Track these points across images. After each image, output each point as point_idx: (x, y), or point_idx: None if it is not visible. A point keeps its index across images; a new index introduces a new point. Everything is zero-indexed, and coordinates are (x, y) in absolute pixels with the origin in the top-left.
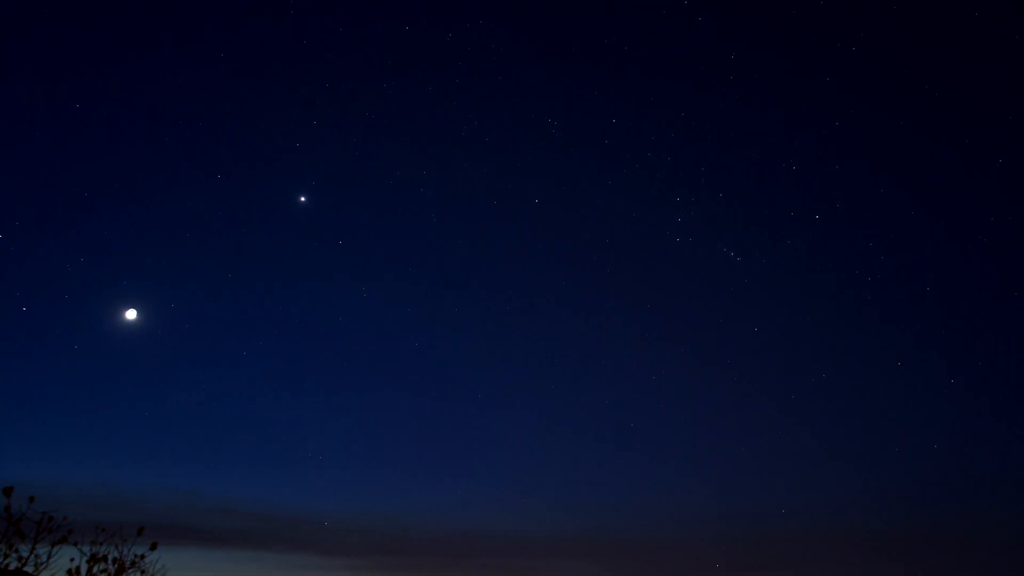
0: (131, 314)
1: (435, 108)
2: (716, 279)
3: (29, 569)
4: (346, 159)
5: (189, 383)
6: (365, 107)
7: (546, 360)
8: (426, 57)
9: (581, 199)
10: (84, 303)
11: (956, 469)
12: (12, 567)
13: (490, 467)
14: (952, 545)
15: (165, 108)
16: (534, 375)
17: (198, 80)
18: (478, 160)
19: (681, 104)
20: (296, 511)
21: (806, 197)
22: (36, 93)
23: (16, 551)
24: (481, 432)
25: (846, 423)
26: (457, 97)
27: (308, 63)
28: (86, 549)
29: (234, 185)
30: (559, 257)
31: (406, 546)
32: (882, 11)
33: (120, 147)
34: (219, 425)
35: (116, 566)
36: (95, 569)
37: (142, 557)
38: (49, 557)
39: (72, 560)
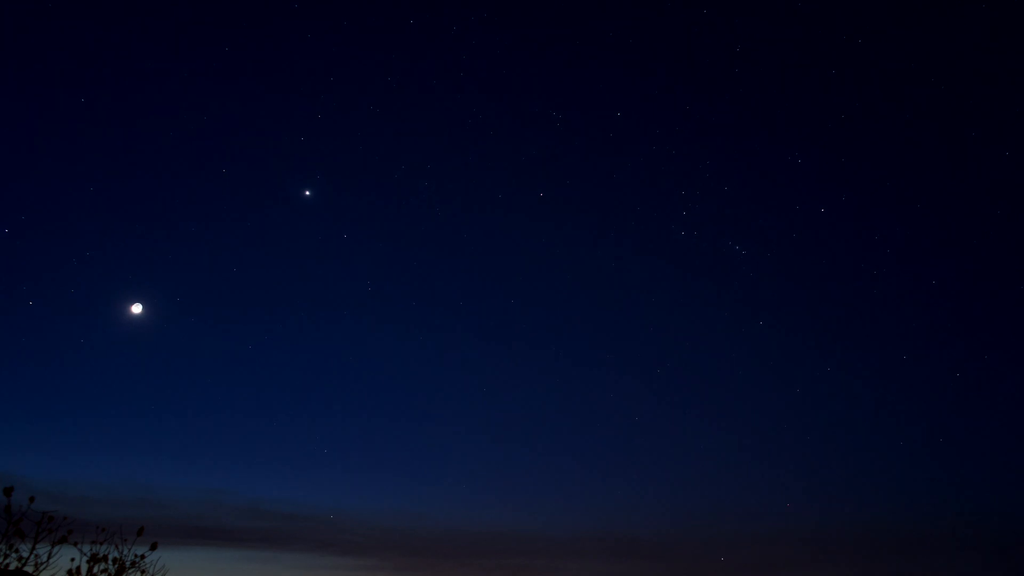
0: (136, 308)
1: (439, 101)
2: (721, 273)
3: (29, 569)
4: (350, 153)
5: (191, 378)
6: (369, 100)
7: (553, 354)
8: (431, 50)
9: (586, 192)
10: (90, 297)
11: (961, 467)
12: (12, 567)
13: (505, 467)
14: (952, 545)
15: (170, 102)
16: (544, 371)
17: (202, 74)
18: (483, 153)
19: (686, 97)
20: (309, 510)
21: (812, 191)
22: (40, 85)
23: (16, 551)
24: (497, 431)
25: (852, 417)
26: (461, 90)
27: (312, 56)
28: (86, 549)
29: (239, 178)
30: (563, 250)
31: (426, 546)
32: (889, 4)
33: (124, 141)
34: (229, 423)
35: (116, 566)
36: (95, 569)
37: (142, 557)
38: (49, 557)
39: (72, 560)
